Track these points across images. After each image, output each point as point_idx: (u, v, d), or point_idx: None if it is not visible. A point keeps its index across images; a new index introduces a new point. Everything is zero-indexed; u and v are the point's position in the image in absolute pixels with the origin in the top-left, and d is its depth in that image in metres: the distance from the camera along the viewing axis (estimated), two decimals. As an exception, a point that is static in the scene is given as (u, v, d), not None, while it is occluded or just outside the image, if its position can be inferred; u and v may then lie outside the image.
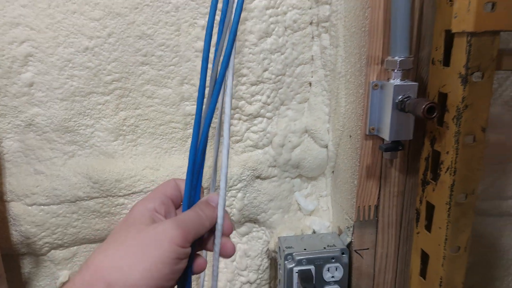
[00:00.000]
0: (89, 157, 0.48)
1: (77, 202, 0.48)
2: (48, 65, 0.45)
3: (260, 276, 0.56)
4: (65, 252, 0.51)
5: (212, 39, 0.34)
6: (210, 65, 0.35)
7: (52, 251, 0.50)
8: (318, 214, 0.55)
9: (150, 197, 0.33)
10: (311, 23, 0.49)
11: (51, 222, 0.48)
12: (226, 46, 0.33)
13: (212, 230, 0.34)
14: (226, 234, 0.34)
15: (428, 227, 0.45)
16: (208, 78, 0.34)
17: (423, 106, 0.37)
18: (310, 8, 0.48)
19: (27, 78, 0.45)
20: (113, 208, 0.49)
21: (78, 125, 0.47)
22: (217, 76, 0.34)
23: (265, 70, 0.49)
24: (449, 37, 0.39)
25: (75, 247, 0.51)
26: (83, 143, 0.48)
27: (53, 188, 0.47)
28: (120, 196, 0.49)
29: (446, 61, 0.40)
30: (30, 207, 0.47)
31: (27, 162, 0.47)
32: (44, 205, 0.47)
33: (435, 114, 0.37)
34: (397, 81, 0.41)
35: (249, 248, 0.55)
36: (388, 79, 0.42)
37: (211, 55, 0.34)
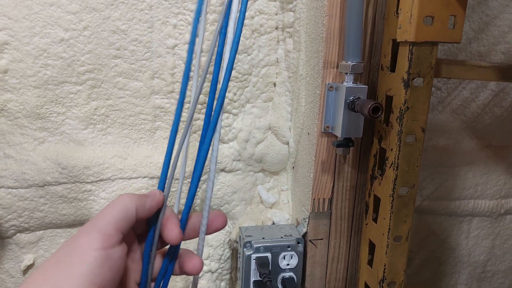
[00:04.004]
0: (59, 143, 0.50)
1: (45, 186, 0.50)
2: (24, 54, 0.46)
3: (221, 266, 0.58)
4: (31, 236, 0.52)
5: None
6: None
7: (18, 234, 0.51)
8: (279, 207, 0.58)
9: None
10: (276, 28, 0.53)
11: (18, 205, 0.49)
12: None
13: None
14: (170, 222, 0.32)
15: (375, 219, 0.49)
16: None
17: (369, 106, 0.41)
18: (276, 14, 0.52)
19: (2, 65, 0.46)
20: (80, 194, 0.51)
21: (49, 112, 0.49)
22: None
23: (232, 69, 0.52)
24: (395, 46, 0.44)
25: (40, 231, 0.52)
26: (53, 130, 0.50)
27: (22, 172, 0.49)
28: (87, 182, 0.50)
29: (392, 67, 0.44)
30: (-3, 190, 0.49)
31: (-3, 146, 0.49)
32: (12, 188, 0.49)
33: (379, 113, 0.41)
34: (350, 84, 0.45)
35: (212, 238, 0.57)
36: (342, 82, 0.46)
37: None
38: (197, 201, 0.55)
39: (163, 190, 0.35)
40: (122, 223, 0.29)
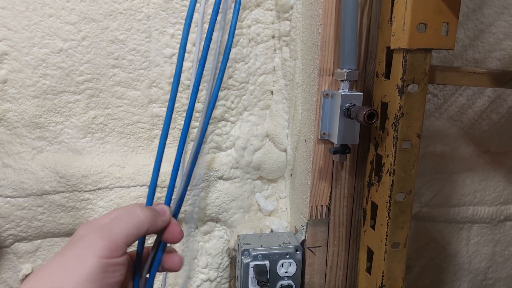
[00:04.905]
0: (57, 152, 0.50)
1: (43, 195, 0.50)
2: (23, 64, 0.47)
3: (220, 275, 0.58)
4: (29, 245, 0.52)
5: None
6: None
7: (16, 243, 0.51)
8: (277, 215, 0.58)
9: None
10: (273, 37, 0.54)
11: (16, 215, 0.49)
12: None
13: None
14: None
15: (373, 226, 0.49)
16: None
17: (364, 113, 0.41)
18: (272, 23, 0.53)
19: (1, 75, 0.47)
20: (78, 203, 0.51)
21: (48, 121, 0.49)
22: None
23: (230, 77, 0.52)
24: (390, 53, 0.44)
25: (39, 241, 0.52)
26: (52, 139, 0.50)
27: (20, 181, 0.49)
28: (85, 191, 0.51)
29: (387, 74, 0.45)
30: (-4, 199, 0.49)
31: (-4, 156, 0.49)
32: (10, 197, 0.49)
33: (375, 120, 0.41)
34: (345, 91, 0.45)
35: (210, 246, 0.57)
36: (338, 89, 0.46)
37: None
38: (195, 209, 0.55)
39: (168, 198, 0.37)
40: (132, 238, 0.30)
